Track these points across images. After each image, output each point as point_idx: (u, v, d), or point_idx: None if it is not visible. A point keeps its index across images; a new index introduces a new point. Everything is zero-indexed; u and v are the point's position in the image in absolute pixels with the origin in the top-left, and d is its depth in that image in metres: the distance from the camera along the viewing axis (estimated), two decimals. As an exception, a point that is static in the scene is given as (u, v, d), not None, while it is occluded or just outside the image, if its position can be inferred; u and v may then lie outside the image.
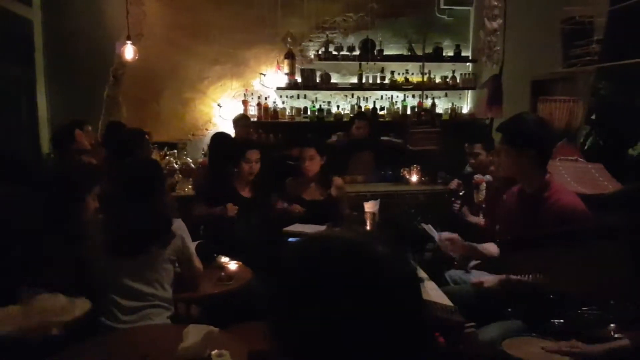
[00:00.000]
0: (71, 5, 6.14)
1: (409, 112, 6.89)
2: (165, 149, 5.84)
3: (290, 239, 3.52)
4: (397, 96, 7.02)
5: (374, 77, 6.86)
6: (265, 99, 6.79)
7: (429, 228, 3.76)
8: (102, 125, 6.22)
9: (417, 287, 0.91)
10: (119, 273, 2.56)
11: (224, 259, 3.21)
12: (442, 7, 6.99)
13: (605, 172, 3.48)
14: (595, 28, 4.07)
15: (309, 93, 6.86)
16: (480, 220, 3.81)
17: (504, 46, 4.91)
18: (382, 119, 6.84)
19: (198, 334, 2.09)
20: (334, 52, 6.74)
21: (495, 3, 4.76)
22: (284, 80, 6.69)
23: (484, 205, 3.84)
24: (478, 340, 2.31)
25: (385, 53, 6.87)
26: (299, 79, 6.73)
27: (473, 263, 3.24)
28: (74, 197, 2.60)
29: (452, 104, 7.10)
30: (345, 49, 6.79)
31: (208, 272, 3.02)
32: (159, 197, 2.73)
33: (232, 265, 3.11)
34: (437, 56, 6.93)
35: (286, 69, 6.65)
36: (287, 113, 6.81)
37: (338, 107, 6.94)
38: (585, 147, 3.97)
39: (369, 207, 3.66)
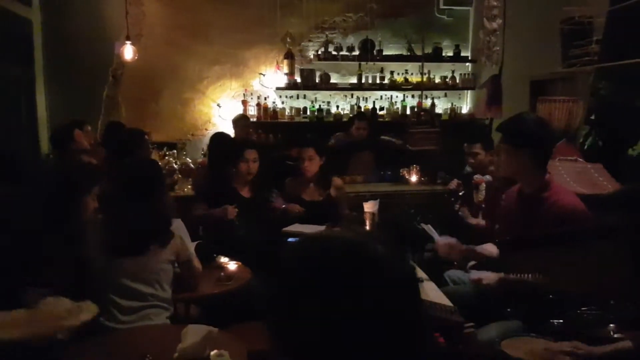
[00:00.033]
0: (71, 5, 6.14)
1: (408, 112, 6.89)
2: (165, 149, 5.84)
3: (289, 239, 3.52)
4: (397, 96, 7.02)
5: (374, 77, 6.86)
6: (265, 99, 6.79)
7: (429, 228, 3.76)
8: (101, 125, 6.22)
9: (415, 287, 0.91)
10: (118, 273, 2.56)
11: (223, 259, 3.21)
12: (442, 7, 6.98)
13: (604, 172, 3.48)
14: (594, 28, 4.07)
15: (309, 93, 6.86)
16: (480, 221, 3.80)
17: (504, 46, 4.91)
18: (381, 119, 6.84)
19: (197, 334, 2.09)
20: (334, 52, 6.74)
21: (495, 3, 4.76)
22: (283, 81, 6.69)
23: (483, 206, 3.84)
24: (477, 340, 2.31)
25: (384, 53, 6.86)
26: (299, 79, 6.73)
27: (472, 263, 3.24)
28: (73, 197, 2.60)
29: (452, 104, 7.10)
30: (344, 49, 6.78)
31: (207, 272, 3.02)
32: (158, 197, 2.73)
33: (232, 266, 3.11)
34: (436, 56, 6.92)
35: (286, 69, 6.65)
36: (286, 113, 6.81)
37: (337, 107, 6.94)
38: (585, 147, 3.96)
39: (369, 207, 3.66)
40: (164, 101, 6.67)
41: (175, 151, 5.85)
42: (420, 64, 6.62)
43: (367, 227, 3.59)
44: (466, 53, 7.11)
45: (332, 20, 6.85)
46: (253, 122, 6.46)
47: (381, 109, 6.94)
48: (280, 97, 6.86)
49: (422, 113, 6.45)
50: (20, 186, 2.94)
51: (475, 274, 2.79)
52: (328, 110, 6.86)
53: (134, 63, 6.14)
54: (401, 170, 5.68)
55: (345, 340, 0.81)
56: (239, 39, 6.66)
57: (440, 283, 2.99)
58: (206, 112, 6.83)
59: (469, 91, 7.16)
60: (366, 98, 6.98)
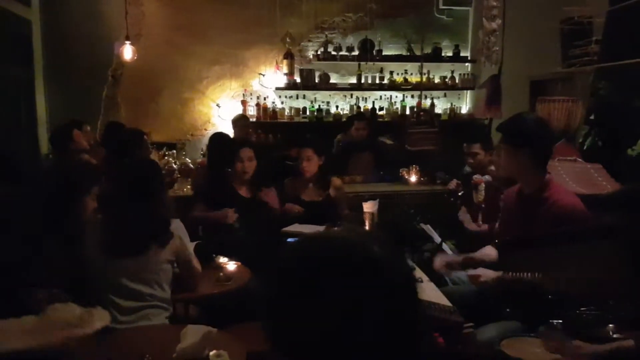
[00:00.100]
0: (70, 5, 6.15)
1: (408, 112, 6.89)
2: (164, 149, 5.84)
3: (288, 239, 3.51)
4: (396, 96, 7.02)
5: (373, 78, 6.87)
6: (264, 99, 6.79)
7: (428, 228, 3.76)
8: (101, 125, 6.23)
9: (414, 287, 0.91)
10: (118, 273, 2.56)
11: (223, 260, 3.21)
12: (441, 7, 6.99)
13: (604, 172, 3.48)
14: (594, 28, 4.07)
15: (308, 93, 6.86)
16: (481, 226, 3.77)
17: (503, 46, 4.90)
18: (381, 119, 6.84)
19: (196, 334, 2.09)
20: (333, 52, 6.74)
21: (494, 3, 4.76)
22: (283, 81, 6.69)
23: (483, 206, 3.84)
24: (477, 341, 2.31)
25: (384, 53, 6.87)
26: (298, 79, 6.73)
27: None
28: (72, 197, 2.60)
29: (451, 104, 7.11)
30: (344, 49, 6.78)
31: (207, 273, 3.01)
32: (157, 198, 2.73)
33: (231, 266, 3.11)
34: (436, 56, 6.93)
35: (285, 69, 6.66)
36: (286, 113, 6.81)
37: (337, 107, 6.94)
38: (584, 147, 3.97)
39: (368, 207, 3.65)
40: (164, 101, 6.67)
41: (174, 151, 5.85)
42: (419, 64, 6.63)
43: (367, 227, 3.58)
44: (466, 53, 7.11)
45: (331, 20, 6.86)
46: (252, 122, 6.46)
47: (380, 109, 6.95)
48: (280, 97, 6.86)
49: (422, 113, 6.45)
50: (20, 186, 2.94)
51: (472, 271, 2.77)
52: (327, 111, 6.87)
53: (133, 63, 6.14)
54: (400, 171, 5.67)
55: (344, 340, 0.81)
56: (239, 39, 6.65)
57: (440, 283, 2.98)
58: (206, 112, 6.83)
59: (469, 91, 7.16)
60: (365, 98, 6.99)
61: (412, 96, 6.95)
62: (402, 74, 6.91)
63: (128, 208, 2.65)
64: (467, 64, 7.12)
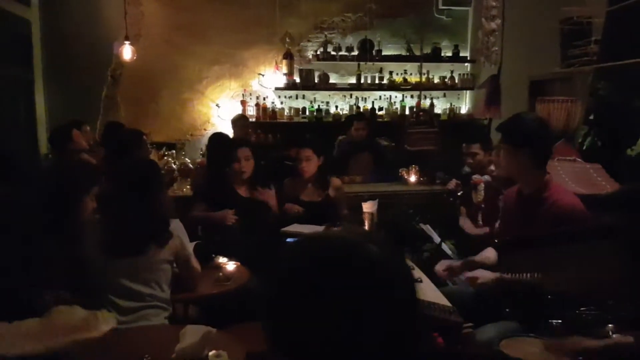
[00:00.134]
0: (69, 5, 6.15)
1: (407, 112, 6.89)
2: (164, 149, 5.85)
3: (288, 240, 3.51)
4: (396, 96, 7.03)
5: (373, 78, 6.87)
6: (264, 99, 6.79)
7: (427, 228, 3.76)
8: (100, 125, 6.22)
9: (412, 286, 0.91)
10: (117, 273, 2.56)
11: (222, 260, 3.21)
12: (441, 7, 6.99)
13: (603, 172, 3.48)
14: (593, 28, 4.07)
15: (308, 93, 6.86)
16: (481, 230, 3.77)
17: (502, 46, 4.90)
18: (380, 119, 6.84)
19: (196, 334, 2.09)
20: (333, 53, 6.74)
21: (494, 3, 4.76)
22: (282, 81, 6.69)
23: (482, 206, 3.84)
24: (476, 341, 2.31)
25: (383, 53, 6.87)
26: (298, 79, 6.73)
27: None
28: (71, 197, 2.59)
29: (451, 104, 7.11)
30: (343, 49, 6.78)
31: (206, 273, 3.01)
32: (156, 198, 2.73)
33: (230, 266, 3.11)
34: (435, 56, 6.93)
35: (284, 69, 6.65)
36: (285, 113, 6.81)
37: (336, 107, 6.95)
38: (584, 147, 3.97)
39: (367, 207, 3.65)
40: (163, 101, 6.67)
41: (174, 151, 5.85)
42: (419, 64, 6.63)
43: (366, 228, 3.58)
44: (465, 53, 7.11)
45: (331, 20, 6.86)
46: (252, 122, 6.46)
47: (380, 109, 6.95)
48: (279, 97, 6.86)
49: (421, 113, 6.46)
50: (19, 186, 2.93)
51: (470, 273, 2.78)
52: (327, 111, 6.87)
53: (132, 63, 6.14)
54: (400, 171, 5.68)
55: (342, 340, 0.81)
56: (238, 39, 6.65)
57: (439, 283, 2.98)
58: (205, 112, 6.82)
59: (468, 91, 7.16)
60: (365, 98, 6.99)
61: (412, 96, 6.95)
62: (401, 74, 6.91)
63: (127, 208, 2.65)
64: (466, 64, 7.13)
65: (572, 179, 3.40)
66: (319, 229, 3.52)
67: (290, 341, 0.86)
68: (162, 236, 2.65)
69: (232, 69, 6.78)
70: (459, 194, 4.22)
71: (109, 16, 6.31)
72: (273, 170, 4.72)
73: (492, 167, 3.91)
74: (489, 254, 2.88)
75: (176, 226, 2.75)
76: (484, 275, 2.65)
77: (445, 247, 3.68)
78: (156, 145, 5.82)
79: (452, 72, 7.03)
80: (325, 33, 6.84)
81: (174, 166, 5.43)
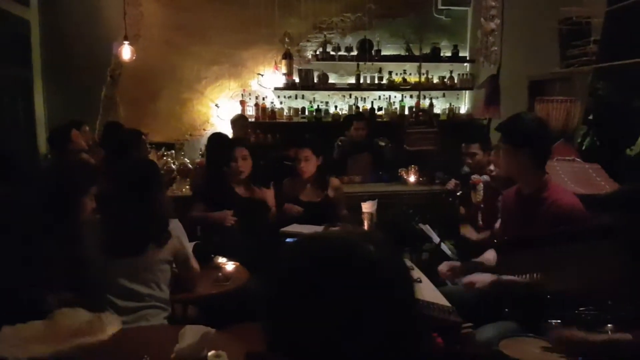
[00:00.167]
0: (68, 5, 6.15)
1: (406, 112, 6.89)
2: (163, 149, 5.85)
3: (287, 240, 3.51)
4: (395, 96, 7.03)
5: (372, 78, 6.87)
6: (263, 99, 6.79)
7: (427, 228, 3.76)
8: (99, 125, 6.23)
9: (410, 286, 0.91)
10: (116, 273, 2.56)
11: (221, 260, 3.21)
12: (440, 7, 6.99)
13: (602, 172, 3.48)
14: (592, 28, 4.07)
15: (307, 93, 6.86)
16: (483, 235, 3.77)
17: (502, 46, 4.91)
18: (379, 119, 6.84)
19: (195, 335, 2.08)
20: (332, 53, 6.74)
21: (493, 3, 4.76)
22: (281, 81, 6.68)
23: (482, 206, 3.84)
24: (475, 341, 2.31)
25: (383, 53, 6.87)
26: (297, 79, 6.73)
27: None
28: (70, 197, 2.59)
29: (450, 104, 7.11)
30: (342, 49, 6.79)
31: (205, 273, 3.01)
32: (155, 198, 2.72)
33: (229, 266, 3.10)
34: (434, 56, 6.94)
35: (284, 69, 6.65)
36: (284, 113, 6.81)
37: (336, 107, 6.95)
38: (583, 147, 3.97)
39: (367, 207, 3.65)
40: (162, 101, 6.67)
41: (173, 151, 5.86)
42: (418, 64, 6.62)
43: (365, 228, 3.58)
44: (464, 53, 7.12)
45: (330, 20, 6.86)
46: (251, 122, 6.46)
47: (379, 109, 6.95)
48: (279, 97, 6.86)
49: (421, 113, 6.45)
50: (18, 186, 2.93)
51: (467, 278, 2.79)
52: (326, 111, 6.87)
53: (132, 63, 6.14)
54: (399, 171, 5.68)
55: (341, 340, 0.81)
56: (237, 39, 6.65)
57: (438, 283, 2.99)
58: (204, 113, 6.82)
59: (467, 91, 7.17)
60: (364, 98, 6.99)
61: (411, 96, 6.95)
62: (400, 74, 6.91)
63: (126, 208, 2.65)
64: (465, 64, 7.13)
65: (571, 178, 3.40)
66: (318, 229, 3.51)
67: (289, 341, 0.86)
68: (161, 236, 2.65)
69: (231, 69, 6.78)
70: (458, 194, 4.22)
71: (108, 16, 6.31)
72: (272, 171, 4.72)
73: (492, 167, 3.92)
74: (490, 255, 2.89)
75: (175, 226, 2.74)
76: (480, 279, 2.67)
77: (444, 247, 3.68)
78: (155, 146, 5.82)
79: (451, 72, 7.04)
80: (325, 33, 6.84)
81: (173, 166, 5.43)
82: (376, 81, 6.88)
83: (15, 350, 1.86)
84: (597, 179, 3.42)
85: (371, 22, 6.85)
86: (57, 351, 1.89)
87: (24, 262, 2.33)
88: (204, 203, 3.92)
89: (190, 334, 2.09)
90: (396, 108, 6.96)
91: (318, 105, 6.84)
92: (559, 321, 2.05)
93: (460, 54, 7.06)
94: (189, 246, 2.87)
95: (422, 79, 6.73)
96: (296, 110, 6.82)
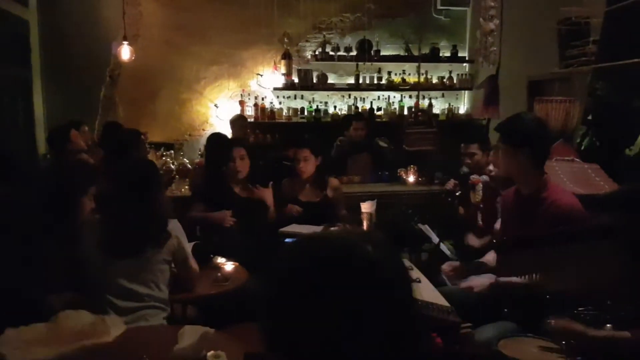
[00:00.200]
0: (67, 5, 6.15)
1: (405, 112, 6.89)
2: (162, 149, 5.85)
3: (286, 240, 3.52)
4: (394, 97, 7.02)
5: (371, 78, 6.87)
6: (262, 99, 6.78)
7: (426, 228, 3.76)
8: (98, 125, 6.23)
9: (409, 286, 0.91)
10: (115, 273, 2.55)
11: (220, 260, 3.21)
12: (439, 7, 6.99)
13: (601, 172, 3.48)
14: (591, 29, 4.08)
15: (306, 93, 6.86)
16: (486, 239, 3.76)
17: (501, 46, 4.91)
18: (379, 120, 6.84)
19: (194, 335, 2.08)
20: (331, 53, 6.74)
21: (492, 3, 4.76)
22: (280, 81, 6.68)
23: (481, 206, 3.84)
24: (474, 341, 2.31)
25: (382, 53, 6.87)
26: (296, 80, 6.73)
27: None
28: (69, 197, 2.59)
29: (449, 104, 7.11)
30: (342, 49, 6.79)
31: (204, 273, 3.01)
32: (154, 198, 2.72)
33: (229, 266, 3.10)
34: (434, 57, 6.93)
35: (283, 70, 6.65)
36: (284, 113, 6.81)
37: (335, 107, 6.94)
38: (582, 148, 3.97)
39: (366, 207, 3.65)
40: (162, 101, 6.66)
41: (172, 151, 5.86)
42: (417, 64, 6.62)
43: (365, 228, 3.58)
44: (463, 53, 7.12)
45: (329, 20, 6.86)
46: (250, 122, 6.46)
47: (378, 109, 6.95)
48: (278, 97, 6.86)
49: (420, 113, 6.45)
50: (17, 187, 2.93)
51: (465, 282, 2.80)
52: (325, 111, 6.86)
53: (131, 63, 6.13)
54: (398, 171, 5.68)
55: (338, 340, 0.81)
56: (237, 39, 6.65)
57: (438, 283, 2.99)
58: (203, 113, 6.82)
59: (467, 91, 7.17)
60: (363, 98, 6.99)
61: (410, 96, 6.95)
62: (400, 74, 6.91)
63: (126, 208, 2.65)
64: (465, 64, 7.13)
65: (571, 179, 3.40)
66: (317, 229, 3.51)
67: (287, 341, 0.86)
68: (160, 236, 2.65)
69: (230, 69, 6.78)
70: (457, 194, 4.22)
71: (107, 16, 6.30)
72: (271, 171, 4.72)
73: (491, 167, 3.92)
74: (491, 257, 2.90)
75: (174, 226, 2.74)
76: (478, 283, 2.68)
77: (443, 247, 3.68)
78: (154, 146, 5.83)
79: (450, 72, 7.04)
80: (324, 33, 6.84)
81: (172, 166, 5.44)
82: (375, 81, 6.88)
83: (19, 353, 1.86)
84: (596, 179, 3.42)
85: (370, 22, 6.85)
86: (61, 354, 1.89)
87: (23, 263, 2.33)
88: (203, 203, 3.92)
89: (190, 334, 2.09)
90: (395, 108, 6.96)
91: (317, 106, 6.84)
92: (557, 321, 2.06)
93: (460, 54, 7.06)
94: (188, 246, 2.87)
95: (421, 79, 6.73)
96: (295, 110, 6.82)
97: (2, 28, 5.14)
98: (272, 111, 6.75)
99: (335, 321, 0.81)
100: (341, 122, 6.33)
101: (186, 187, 5.19)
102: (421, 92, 6.73)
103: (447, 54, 7.04)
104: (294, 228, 3.76)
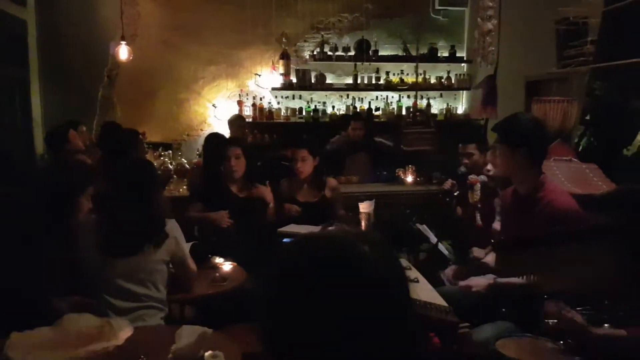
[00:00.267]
0: (65, 5, 6.14)
1: (404, 112, 6.89)
2: (160, 149, 5.84)
3: (284, 240, 3.52)
4: (392, 97, 7.03)
5: (369, 78, 6.87)
6: (261, 99, 6.78)
7: (424, 228, 3.76)
8: (96, 125, 6.22)
9: (405, 286, 0.91)
10: (112, 274, 2.55)
11: (218, 260, 3.21)
12: (437, 7, 6.99)
13: (599, 172, 3.49)
14: (589, 29, 4.08)
15: (304, 93, 6.86)
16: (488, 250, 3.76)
17: (499, 47, 4.91)
18: (377, 120, 6.84)
19: (191, 335, 2.08)
20: (329, 53, 6.75)
21: (490, 4, 4.76)
22: (279, 81, 6.68)
23: (479, 206, 3.84)
24: (472, 340, 2.31)
25: (380, 53, 6.87)
26: (294, 80, 6.73)
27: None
28: (67, 197, 2.59)
29: (447, 104, 7.11)
30: (340, 49, 6.79)
31: (202, 273, 3.01)
32: (152, 198, 2.71)
33: (227, 266, 3.10)
34: (432, 57, 6.94)
35: (281, 70, 6.65)
36: (282, 113, 6.81)
37: (333, 107, 6.94)
38: (580, 148, 3.97)
39: (364, 207, 3.65)
40: (160, 101, 6.66)
41: (170, 151, 5.85)
42: (415, 64, 6.62)
43: (363, 228, 3.58)
44: (461, 53, 7.12)
45: (327, 20, 6.85)
46: (249, 122, 6.46)
47: (377, 109, 6.95)
48: (276, 97, 6.85)
49: (418, 113, 6.45)
50: (15, 187, 2.93)
51: (464, 282, 2.80)
52: (324, 111, 6.86)
53: (129, 63, 6.13)
54: (397, 171, 5.68)
55: (334, 339, 0.81)
56: (235, 39, 6.65)
57: (436, 283, 2.99)
58: (201, 113, 6.82)
59: (465, 91, 7.17)
60: (362, 98, 6.99)
61: (408, 96, 6.95)
62: (398, 74, 6.91)
63: (123, 208, 2.64)
64: (463, 64, 7.13)
65: (568, 178, 3.40)
66: (316, 229, 3.51)
67: (285, 341, 0.86)
68: (158, 236, 2.64)
69: (228, 69, 6.78)
70: (455, 194, 4.22)
71: (105, 16, 6.30)
72: (269, 171, 4.71)
73: (489, 167, 3.92)
74: (491, 258, 2.90)
75: (172, 226, 2.73)
76: (477, 283, 2.68)
77: (441, 247, 3.68)
78: (152, 146, 5.83)
79: (448, 72, 7.04)
80: (322, 33, 6.84)
81: (171, 166, 5.43)
82: (373, 81, 6.88)
83: (30, 359, 1.85)
84: (594, 179, 3.42)
85: (368, 22, 6.85)
86: (71, 358, 1.88)
87: (21, 262, 2.33)
88: (201, 203, 3.91)
89: (187, 334, 2.09)
90: (393, 108, 6.96)
91: (315, 106, 6.84)
92: (555, 321, 2.06)
93: (458, 54, 7.06)
94: (186, 246, 2.87)
95: (420, 79, 6.74)
96: (293, 110, 6.81)
97: (-1, 28, 5.14)
98: (270, 111, 6.75)
99: (332, 321, 0.81)
100: (339, 122, 6.34)
101: (184, 187, 5.19)
102: (419, 92, 6.74)
103: (445, 54, 7.05)
104: (292, 228, 3.76)
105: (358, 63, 6.76)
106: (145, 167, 2.96)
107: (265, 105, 6.75)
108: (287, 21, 6.68)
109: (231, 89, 6.80)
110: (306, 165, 4.06)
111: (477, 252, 3.77)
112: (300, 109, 6.82)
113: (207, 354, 2.02)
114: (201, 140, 5.65)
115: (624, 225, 1.97)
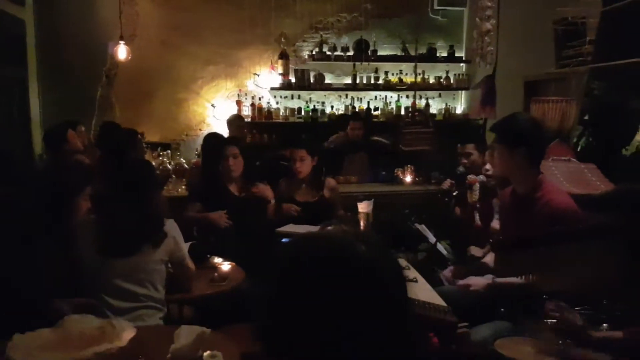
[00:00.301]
0: (64, 5, 6.14)
1: (402, 112, 6.89)
2: (159, 149, 5.84)
3: (283, 240, 3.52)
4: (391, 96, 7.03)
5: (368, 78, 6.87)
6: (259, 99, 6.78)
7: (423, 228, 3.76)
8: (95, 125, 6.21)
9: (403, 285, 0.91)
10: (111, 274, 2.55)
11: (217, 260, 3.21)
12: (436, 7, 6.99)
13: (598, 172, 3.49)
14: (588, 29, 4.08)
15: (303, 93, 6.86)
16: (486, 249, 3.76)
17: (497, 47, 4.91)
18: (376, 119, 6.84)
19: (190, 335, 2.08)
20: (328, 53, 6.75)
21: (489, 4, 4.77)
22: (277, 81, 6.68)
23: (478, 205, 3.84)
24: (471, 340, 2.31)
25: (379, 53, 6.87)
26: (293, 80, 6.72)
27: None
28: (65, 197, 2.59)
29: (446, 104, 7.11)
30: (339, 49, 6.79)
31: (201, 273, 3.01)
32: (151, 198, 2.72)
33: (225, 266, 3.10)
34: (430, 57, 6.94)
35: (280, 70, 6.65)
36: (281, 113, 6.80)
37: (332, 107, 6.94)
38: (578, 148, 3.97)
39: (363, 207, 3.65)
40: (158, 101, 6.65)
41: (169, 151, 5.84)
42: (414, 64, 6.62)
43: (361, 228, 3.58)
44: (460, 53, 7.12)
45: (326, 20, 6.85)
46: (247, 122, 6.46)
47: (375, 109, 6.95)
48: (275, 97, 6.85)
49: (417, 113, 6.46)
50: (13, 187, 2.92)
51: (462, 281, 2.80)
52: (322, 111, 6.86)
53: (127, 63, 6.12)
54: (395, 171, 5.68)
55: (335, 340, 0.81)
56: (233, 39, 6.64)
57: (435, 283, 2.99)
58: (200, 113, 6.81)
59: (463, 91, 7.17)
60: (360, 98, 6.99)
61: (407, 96, 6.95)
62: (397, 74, 6.91)
63: (122, 208, 2.64)
64: (461, 64, 7.13)
65: (567, 178, 3.41)
66: (314, 229, 3.51)
67: (284, 341, 0.86)
68: (157, 236, 2.65)
69: (227, 69, 6.77)
70: (454, 194, 4.21)
71: (104, 16, 6.29)
72: (268, 170, 4.71)
73: (487, 167, 3.92)
74: (489, 258, 2.90)
75: (171, 226, 2.73)
76: (475, 282, 2.68)
77: (440, 247, 3.68)
78: (151, 146, 5.82)
79: (447, 72, 7.04)
80: (321, 33, 6.84)
81: (169, 166, 5.43)
82: (372, 81, 6.87)
83: (26, 358, 1.84)
84: (593, 179, 3.43)
85: (367, 22, 6.85)
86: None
87: (20, 263, 2.33)
88: (199, 203, 3.91)
89: (186, 334, 2.09)
90: (392, 108, 6.96)
91: (314, 106, 6.84)
92: (554, 321, 2.06)
93: (456, 54, 7.06)
94: (185, 246, 2.87)
95: (418, 79, 6.74)
96: (292, 110, 6.81)
97: (-2, 28, 5.13)
98: (269, 111, 6.75)
99: (331, 320, 0.81)
100: (338, 122, 6.33)
101: (183, 187, 5.19)
102: (418, 92, 6.74)
103: (444, 54, 7.04)
104: (290, 228, 3.76)
105: (357, 63, 6.76)
106: (144, 167, 2.96)
107: (264, 105, 6.75)
108: (285, 21, 6.68)
109: (230, 89, 6.80)
110: (305, 165, 4.06)
111: (474, 250, 3.78)
112: (299, 109, 6.82)
113: (205, 354, 2.02)
114: (200, 140, 5.64)
115: (623, 225, 1.97)
